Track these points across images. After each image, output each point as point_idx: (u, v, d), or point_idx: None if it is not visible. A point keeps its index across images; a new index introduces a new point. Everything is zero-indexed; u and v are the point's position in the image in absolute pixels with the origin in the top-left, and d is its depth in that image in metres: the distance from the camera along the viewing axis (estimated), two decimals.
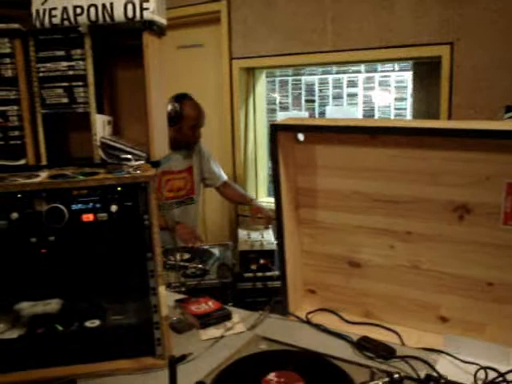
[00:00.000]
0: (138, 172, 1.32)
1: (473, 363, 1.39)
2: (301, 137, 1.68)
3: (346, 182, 1.66)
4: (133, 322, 1.43)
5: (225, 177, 3.27)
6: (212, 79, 3.85)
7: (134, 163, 1.39)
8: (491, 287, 1.52)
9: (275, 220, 1.73)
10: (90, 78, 1.41)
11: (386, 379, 1.24)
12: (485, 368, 1.36)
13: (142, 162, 1.41)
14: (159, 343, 1.40)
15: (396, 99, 4.93)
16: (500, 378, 1.32)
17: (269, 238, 2.70)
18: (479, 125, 1.40)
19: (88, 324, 1.41)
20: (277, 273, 2.46)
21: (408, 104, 4.85)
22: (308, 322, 1.70)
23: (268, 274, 2.48)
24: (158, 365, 1.38)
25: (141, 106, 1.41)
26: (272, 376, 1.34)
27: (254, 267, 2.51)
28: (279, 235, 1.73)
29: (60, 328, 1.40)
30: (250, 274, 2.49)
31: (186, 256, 2.56)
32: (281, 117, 4.84)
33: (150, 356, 1.40)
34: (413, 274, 1.64)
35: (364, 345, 1.52)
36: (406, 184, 1.56)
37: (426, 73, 3.10)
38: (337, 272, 1.78)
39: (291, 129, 1.63)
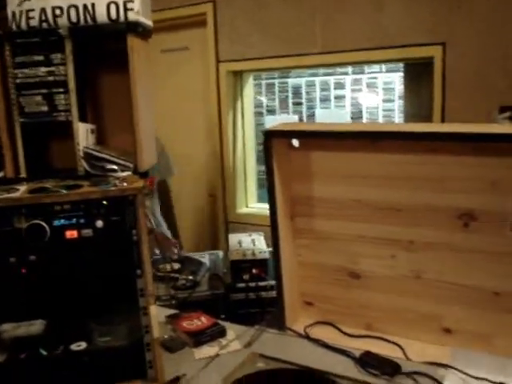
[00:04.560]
0: (125, 184, 1.23)
1: (483, 379, 1.32)
2: (295, 143, 1.60)
3: (344, 190, 1.59)
4: (122, 343, 1.33)
5: None
6: (198, 83, 3.76)
7: (120, 174, 1.30)
8: (498, 297, 1.45)
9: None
10: (72, 84, 1.32)
11: None
12: None
13: (129, 172, 1.33)
14: (151, 366, 1.31)
15: (384, 100, 4.89)
16: None
17: (261, 246, 2.61)
18: (486, 128, 1.33)
19: (74, 347, 1.32)
20: (270, 282, 2.38)
21: (396, 105, 4.81)
22: (307, 337, 1.62)
23: (261, 284, 2.40)
24: None
25: (127, 113, 1.33)
26: None
27: (246, 277, 2.42)
28: (274, 246, 1.65)
29: (44, 352, 1.30)
30: (243, 285, 2.41)
31: (176, 267, 2.47)
32: (269, 120, 4.79)
33: (141, 379, 1.31)
34: (415, 285, 1.57)
35: (367, 361, 1.44)
36: (408, 191, 1.49)
37: (417, 74, 3.05)
38: (335, 283, 1.70)
39: (286, 135, 1.55)
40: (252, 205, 3.83)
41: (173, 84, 3.77)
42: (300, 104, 5.45)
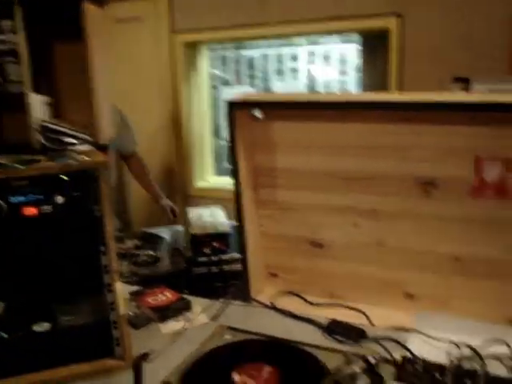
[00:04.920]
0: (86, 158, 1.19)
1: (445, 339, 1.37)
2: (258, 113, 1.58)
3: (307, 160, 1.59)
4: (87, 322, 1.30)
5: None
6: (152, 55, 3.66)
7: (79, 148, 1.25)
8: (458, 262, 1.50)
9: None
10: (24, 54, 1.25)
11: (362, 364, 1.19)
12: (458, 344, 1.33)
13: (89, 146, 1.28)
14: (118, 343, 1.29)
15: (339, 73, 4.90)
16: (474, 354, 1.30)
17: (221, 219, 2.60)
18: (446, 97, 1.35)
19: (37, 328, 1.28)
20: (233, 256, 2.38)
21: (351, 78, 4.83)
22: (273, 308, 1.63)
23: (223, 257, 2.39)
24: (118, 366, 1.27)
25: (83, 85, 1.27)
26: (243, 369, 1.26)
27: (207, 251, 2.41)
28: (238, 218, 1.64)
29: (5, 335, 1.25)
30: (204, 259, 2.39)
31: (135, 243, 2.43)
32: (225, 92, 4.72)
33: (109, 357, 1.29)
34: (378, 252, 1.59)
35: (333, 328, 1.46)
36: (370, 160, 1.50)
37: (374, 45, 3.06)
38: (299, 254, 1.71)
39: (250, 105, 1.53)
40: (209, 178, 3.81)
41: (127, 55, 3.65)
42: (255, 77, 5.39)
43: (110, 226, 1.21)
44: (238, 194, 1.60)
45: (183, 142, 3.63)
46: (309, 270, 1.71)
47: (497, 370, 1.25)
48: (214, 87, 5.09)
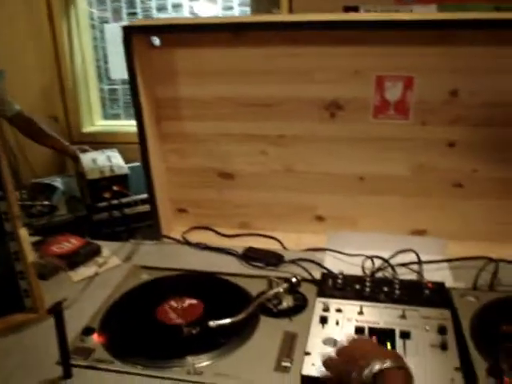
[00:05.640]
0: None
1: (357, 255, 1.43)
2: (156, 41, 1.48)
3: (210, 88, 1.53)
4: None
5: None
6: None
7: None
8: (362, 181, 1.55)
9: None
10: None
11: (285, 285, 1.21)
12: (370, 257, 1.40)
13: None
14: (28, 295, 1.19)
15: (223, 8, 4.77)
16: (385, 264, 1.38)
17: (117, 161, 2.48)
18: (346, 17, 1.35)
19: None
20: (134, 198, 2.30)
21: (236, 13, 4.72)
22: (186, 243, 1.60)
23: (124, 200, 2.30)
24: (30, 319, 1.18)
25: None
26: (165, 305, 1.23)
27: (107, 195, 2.30)
28: (143, 155, 1.56)
29: None
30: (105, 203, 2.29)
31: (28, 194, 2.26)
32: (109, 28, 4.42)
33: (19, 312, 1.19)
34: (287, 178, 1.60)
35: (251, 255, 1.47)
36: (275, 85, 1.48)
37: None
38: (208, 186, 1.67)
39: (146, 30, 1.42)
40: (98, 123, 3.60)
41: None
42: (135, 14, 5.09)
43: (5, 167, 1.09)
44: (140, 128, 1.51)
45: (67, 86, 3.37)
46: (219, 203, 1.69)
47: (407, 275, 1.34)
48: (93, 27, 4.75)
